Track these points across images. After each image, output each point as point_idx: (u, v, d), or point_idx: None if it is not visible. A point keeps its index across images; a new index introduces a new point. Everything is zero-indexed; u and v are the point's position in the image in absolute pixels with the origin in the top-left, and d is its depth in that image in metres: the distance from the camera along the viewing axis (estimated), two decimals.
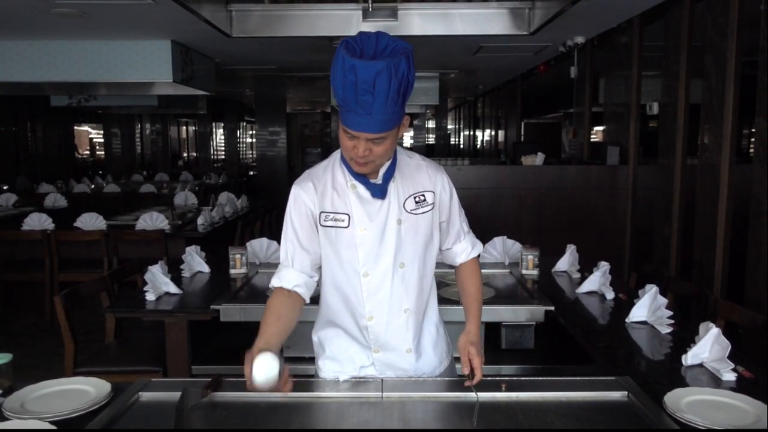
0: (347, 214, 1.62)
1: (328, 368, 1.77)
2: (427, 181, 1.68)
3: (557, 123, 13.10)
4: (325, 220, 1.63)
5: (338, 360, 1.75)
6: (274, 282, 1.66)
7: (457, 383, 1.66)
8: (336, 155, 1.68)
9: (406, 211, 1.65)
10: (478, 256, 1.84)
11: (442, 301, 2.59)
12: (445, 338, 1.85)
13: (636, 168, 5.24)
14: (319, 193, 1.64)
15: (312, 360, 1.89)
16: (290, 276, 1.64)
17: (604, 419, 1.49)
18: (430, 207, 1.67)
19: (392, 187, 1.64)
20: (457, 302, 2.54)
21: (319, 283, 1.72)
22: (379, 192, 1.62)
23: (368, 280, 1.64)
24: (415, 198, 1.66)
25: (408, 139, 16.87)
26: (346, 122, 1.48)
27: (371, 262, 1.64)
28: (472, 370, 1.58)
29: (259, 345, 1.52)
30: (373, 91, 1.40)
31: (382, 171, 1.62)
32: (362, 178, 1.61)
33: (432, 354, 1.77)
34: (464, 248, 1.79)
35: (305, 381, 1.72)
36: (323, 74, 8.86)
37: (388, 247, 1.63)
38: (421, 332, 1.74)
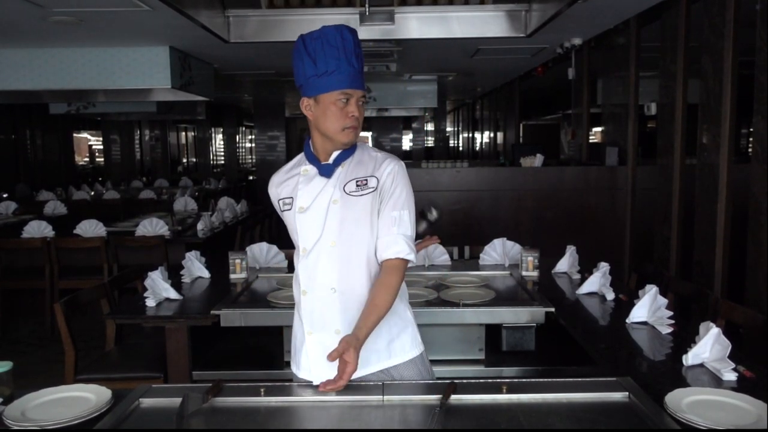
0: (292, 197, 1.77)
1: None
2: (373, 168, 1.75)
3: (556, 124, 13.12)
4: (282, 207, 1.80)
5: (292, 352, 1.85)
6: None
7: (458, 386, 1.65)
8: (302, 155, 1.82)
9: (345, 193, 1.72)
10: (404, 263, 1.72)
11: (440, 303, 2.60)
12: (406, 340, 1.81)
13: (635, 168, 5.25)
14: (280, 183, 1.81)
15: None
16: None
17: (605, 420, 1.49)
18: (370, 190, 1.73)
19: (339, 170, 1.75)
20: (456, 304, 2.55)
21: None
22: (326, 171, 1.74)
23: (305, 256, 1.75)
24: (357, 182, 1.73)
25: (407, 141, 16.88)
26: (342, 84, 1.65)
27: (309, 240, 1.74)
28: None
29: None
30: (355, 49, 1.68)
31: (334, 154, 1.74)
32: (315, 161, 1.75)
33: (372, 345, 1.72)
34: (386, 244, 1.71)
35: (305, 385, 1.72)
36: None
37: (321, 226, 1.72)
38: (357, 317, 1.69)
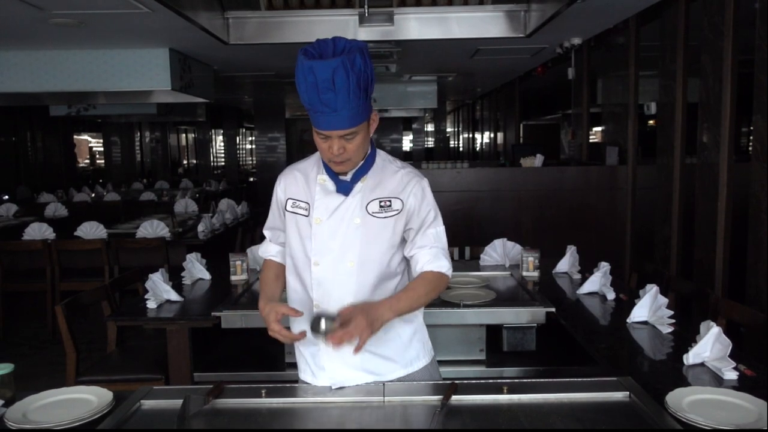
0: (308, 203, 1.70)
1: (299, 368, 1.82)
2: (397, 188, 1.69)
3: (556, 124, 13.12)
4: (291, 207, 1.73)
5: (299, 360, 1.81)
6: (261, 253, 1.92)
7: (458, 387, 1.66)
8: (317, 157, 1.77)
9: (368, 214, 1.67)
10: (444, 277, 1.70)
11: (441, 303, 2.60)
12: (419, 347, 1.80)
13: (635, 168, 5.25)
14: (291, 182, 1.75)
15: None
16: (269, 248, 1.88)
17: (606, 420, 1.49)
18: (394, 213, 1.67)
19: (359, 186, 1.68)
20: (457, 305, 2.55)
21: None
22: (344, 188, 1.67)
23: (318, 269, 1.69)
24: (380, 202, 1.67)
25: (407, 142, 16.89)
26: (316, 124, 1.56)
27: (321, 253, 1.68)
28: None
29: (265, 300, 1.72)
30: (334, 88, 1.47)
31: (353, 169, 1.67)
32: (332, 173, 1.68)
33: (389, 358, 1.73)
34: (430, 257, 1.67)
35: (306, 386, 1.72)
36: None
37: (340, 243, 1.67)
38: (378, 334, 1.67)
